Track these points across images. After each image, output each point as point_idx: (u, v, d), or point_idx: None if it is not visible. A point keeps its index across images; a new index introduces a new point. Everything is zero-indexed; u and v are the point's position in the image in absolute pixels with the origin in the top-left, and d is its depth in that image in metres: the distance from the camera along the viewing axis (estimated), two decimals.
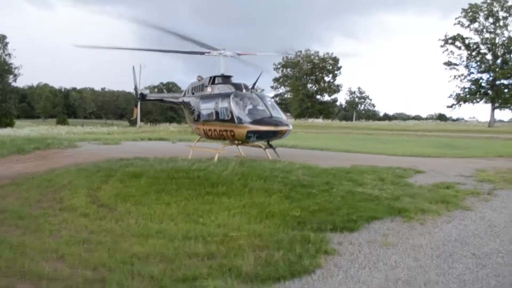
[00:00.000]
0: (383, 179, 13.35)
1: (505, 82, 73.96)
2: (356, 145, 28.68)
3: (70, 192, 12.95)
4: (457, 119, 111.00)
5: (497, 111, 76.24)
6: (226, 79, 18.01)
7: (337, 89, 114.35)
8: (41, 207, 11.56)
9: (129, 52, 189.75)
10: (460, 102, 77.24)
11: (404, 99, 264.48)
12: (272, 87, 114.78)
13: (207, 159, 17.45)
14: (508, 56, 73.47)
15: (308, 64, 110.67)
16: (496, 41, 73.56)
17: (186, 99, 20.03)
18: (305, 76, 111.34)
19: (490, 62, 74.01)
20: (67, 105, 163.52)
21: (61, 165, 18.03)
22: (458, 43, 76.05)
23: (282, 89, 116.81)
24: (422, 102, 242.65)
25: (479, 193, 11.86)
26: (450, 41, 76.46)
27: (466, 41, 75.26)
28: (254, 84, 17.57)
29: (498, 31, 73.61)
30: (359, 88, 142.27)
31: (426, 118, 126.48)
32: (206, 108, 17.45)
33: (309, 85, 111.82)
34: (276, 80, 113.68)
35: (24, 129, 56.78)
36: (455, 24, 76.12)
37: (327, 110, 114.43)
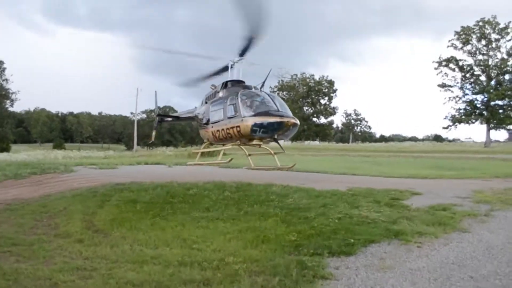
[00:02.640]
0: (380, 202, 13.33)
1: (500, 103, 74.67)
2: (353, 167, 28.66)
3: (65, 218, 12.85)
4: (453, 140, 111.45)
5: (492, 131, 76.78)
6: (237, 83, 17.99)
7: (333, 111, 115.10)
8: (36, 233, 11.44)
9: (126, 76, 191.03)
10: (456, 123, 77.73)
11: (401, 121, 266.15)
12: None
13: (204, 183, 17.40)
14: (501, 77, 74.27)
15: (304, 87, 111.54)
16: (490, 63, 74.46)
17: (199, 110, 20.11)
18: (301, 99, 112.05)
19: (484, 84, 74.75)
20: (64, 130, 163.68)
21: (56, 191, 17.93)
22: (452, 65, 76.92)
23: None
24: (418, 123, 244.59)
25: (476, 214, 11.84)
26: (444, 63, 77.37)
27: (460, 63, 76.16)
28: (263, 83, 17.34)
29: (491, 53, 74.62)
30: (355, 110, 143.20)
31: (423, 139, 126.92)
32: (215, 109, 17.42)
33: (305, 108, 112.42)
34: None
35: (20, 153, 56.59)
36: (448, 46, 77.26)
37: (324, 133, 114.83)
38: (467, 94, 77.35)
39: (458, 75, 77.13)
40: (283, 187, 15.93)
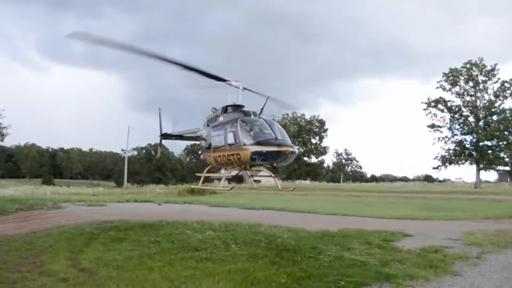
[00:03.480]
0: (371, 243, 13.21)
1: (489, 143, 75.31)
2: (344, 208, 28.56)
3: (50, 256, 12.54)
4: (444, 180, 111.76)
5: (482, 172, 77.17)
6: (237, 107, 17.85)
7: (324, 151, 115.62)
8: (20, 271, 11.12)
9: (119, 114, 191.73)
10: (445, 164, 78.11)
11: (391, 161, 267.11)
12: None
13: (192, 222, 17.19)
14: (489, 118, 75.29)
15: (295, 126, 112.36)
16: (477, 104, 75.65)
17: (202, 132, 20.01)
18: (292, 138, 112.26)
19: (473, 124, 75.69)
20: (53, 165, 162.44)
21: (43, 227, 17.59)
22: (440, 106, 77.96)
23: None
24: (409, 163, 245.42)
25: (468, 257, 11.74)
26: (433, 104, 78.43)
27: (449, 104, 77.23)
28: (261, 110, 17.45)
29: (479, 94, 75.88)
30: (345, 150, 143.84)
31: (413, 180, 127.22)
32: (216, 135, 17.46)
33: (296, 147, 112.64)
34: None
35: (8, 188, 55.79)
36: (437, 87, 78.47)
37: (315, 172, 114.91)
38: (456, 135, 78.19)
39: (447, 115, 78.18)
40: (272, 227, 15.76)
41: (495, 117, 75.53)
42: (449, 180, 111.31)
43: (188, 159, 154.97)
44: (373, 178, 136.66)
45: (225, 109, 17.95)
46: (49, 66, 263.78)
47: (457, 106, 77.18)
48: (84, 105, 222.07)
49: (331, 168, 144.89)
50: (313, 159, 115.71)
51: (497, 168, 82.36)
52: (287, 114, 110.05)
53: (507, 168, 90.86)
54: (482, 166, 75.26)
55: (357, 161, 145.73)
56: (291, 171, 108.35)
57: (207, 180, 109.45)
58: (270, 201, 34.10)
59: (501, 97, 74.48)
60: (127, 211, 24.19)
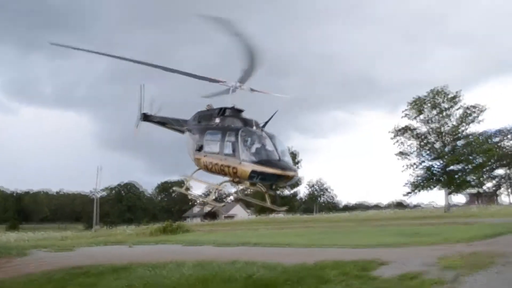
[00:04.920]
0: (348, 274, 13.09)
1: (456, 168, 76.99)
2: (319, 239, 28.44)
3: None
4: (415, 206, 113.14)
5: (452, 195, 78.63)
6: (237, 112, 16.86)
7: (297, 182, 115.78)
8: None
9: (90, 153, 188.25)
10: (416, 190, 79.26)
11: (364, 189, 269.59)
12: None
13: (165, 263, 16.73)
14: (455, 143, 77.23)
15: None
16: (443, 130, 77.67)
17: (191, 127, 18.47)
18: None
19: (440, 150, 77.45)
20: (19, 210, 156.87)
21: (9, 276, 16.81)
22: (408, 134, 79.66)
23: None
24: (381, 190, 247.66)
25: (444, 281, 11.74)
26: (400, 132, 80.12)
27: (415, 132, 78.99)
28: (266, 123, 16.53)
29: (443, 120, 78.00)
30: (318, 180, 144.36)
31: (386, 207, 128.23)
32: (211, 139, 16.33)
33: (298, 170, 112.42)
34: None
35: None
36: (403, 116, 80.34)
37: (289, 204, 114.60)
38: (424, 161, 79.69)
39: (414, 143, 79.69)
40: (248, 264, 15.46)
41: (460, 142, 77.71)
42: (420, 205, 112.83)
43: (159, 198, 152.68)
44: (347, 208, 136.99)
45: (222, 111, 16.90)
46: (17, 108, 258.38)
47: (423, 133, 79.12)
48: (53, 145, 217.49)
49: (304, 199, 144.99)
50: (286, 192, 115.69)
51: (466, 192, 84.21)
52: None
53: (475, 191, 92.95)
54: (451, 190, 76.74)
55: (331, 191, 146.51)
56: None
57: (180, 218, 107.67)
58: (245, 237, 33.68)
59: (464, 123, 76.90)
60: (97, 255, 23.43)
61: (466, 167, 76.68)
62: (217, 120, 16.76)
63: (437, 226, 38.65)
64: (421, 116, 78.67)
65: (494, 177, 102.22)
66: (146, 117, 21.46)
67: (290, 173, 14.63)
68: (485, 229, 29.98)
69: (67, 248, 27.89)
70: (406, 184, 79.91)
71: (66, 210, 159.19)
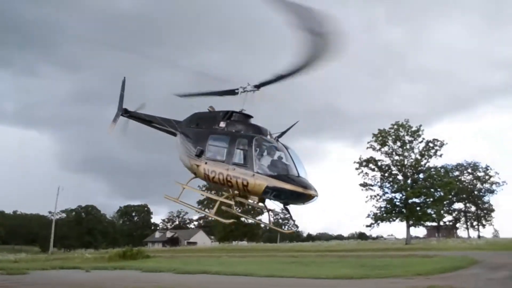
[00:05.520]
0: None
1: (417, 200, 78.65)
2: (281, 269, 28.26)
3: None
4: (377, 237, 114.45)
5: (412, 228, 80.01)
6: (246, 118, 15.30)
7: (261, 211, 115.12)
8: None
9: (50, 174, 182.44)
10: (378, 221, 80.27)
11: (327, 219, 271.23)
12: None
13: None
14: (416, 176, 79.10)
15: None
16: (405, 163, 79.54)
17: (187, 129, 16.51)
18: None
19: (401, 182, 79.08)
20: None
21: None
22: (371, 165, 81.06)
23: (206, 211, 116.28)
24: (343, 221, 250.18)
25: None
26: (364, 163, 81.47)
27: (379, 163, 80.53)
28: (283, 133, 14.81)
29: (406, 153, 79.97)
30: (282, 209, 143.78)
31: (348, 238, 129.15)
32: (216, 145, 14.62)
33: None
34: (200, 202, 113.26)
35: None
36: (367, 148, 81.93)
37: (252, 232, 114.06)
38: (387, 193, 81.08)
39: (378, 174, 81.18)
40: None
41: (421, 175, 79.64)
42: (382, 237, 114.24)
43: (121, 221, 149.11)
44: (310, 237, 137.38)
45: (229, 115, 15.26)
46: None
47: (386, 165, 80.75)
48: (11, 164, 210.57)
49: (268, 228, 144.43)
50: (250, 220, 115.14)
51: (426, 224, 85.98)
52: None
53: (435, 224, 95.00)
54: (412, 222, 78.10)
55: (294, 221, 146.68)
56: (228, 232, 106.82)
57: (141, 243, 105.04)
58: (206, 264, 33.17)
59: (426, 156, 79.03)
60: (51, 279, 22.60)
61: (426, 200, 78.45)
62: (222, 124, 15.01)
63: (398, 258, 39.08)
64: (385, 148, 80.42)
65: (453, 211, 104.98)
66: (127, 113, 19.30)
67: (312, 193, 13.04)
68: (444, 262, 30.54)
69: (20, 271, 26.75)
70: (369, 215, 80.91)
71: (22, 231, 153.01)
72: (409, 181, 79.34)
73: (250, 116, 15.29)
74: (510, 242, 70.82)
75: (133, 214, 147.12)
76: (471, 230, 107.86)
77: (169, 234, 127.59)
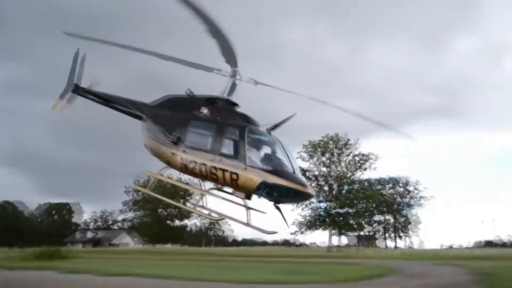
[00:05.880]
0: None
1: (340, 211, 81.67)
2: (203, 273, 28.12)
3: None
4: (301, 245, 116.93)
5: (334, 237, 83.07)
6: (232, 106, 14.03)
7: (188, 214, 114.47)
8: None
9: None
10: (302, 229, 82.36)
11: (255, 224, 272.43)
12: (120, 210, 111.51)
13: None
14: (342, 187, 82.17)
15: (160, 188, 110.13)
16: (332, 174, 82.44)
17: (158, 113, 14.77)
18: (156, 200, 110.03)
19: (327, 193, 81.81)
20: None
21: None
22: None
23: (131, 214, 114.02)
24: (270, 227, 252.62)
25: None
26: None
27: (307, 174, 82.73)
28: (276, 126, 13.58)
29: (333, 166, 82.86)
30: (209, 213, 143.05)
31: (273, 244, 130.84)
32: (199, 132, 13.18)
33: (159, 210, 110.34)
34: (126, 203, 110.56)
35: None
36: (297, 157, 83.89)
37: (177, 236, 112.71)
38: (312, 202, 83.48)
39: None
40: None
41: (346, 187, 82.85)
42: (305, 244, 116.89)
43: (39, 219, 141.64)
44: (235, 242, 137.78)
45: (212, 101, 13.75)
46: None
47: (314, 175, 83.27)
48: None
49: (194, 232, 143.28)
50: (177, 223, 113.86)
51: (347, 234, 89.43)
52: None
53: (356, 234, 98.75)
54: (334, 232, 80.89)
55: (220, 225, 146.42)
56: (152, 234, 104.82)
57: (60, 243, 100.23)
58: (128, 267, 32.31)
59: (352, 169, 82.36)
60: None
61: (349, 211, 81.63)
62: (205, 111, 13.53)
63: (319, 265, 40.22)
64: (314, 159, 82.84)
65: (373, 222, 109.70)
66: (80, 89, 16.44)
67: (310, 191, 12.30)
68: (362, 270, 31.86)
69: None
70: (294, 223, 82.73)
71: None
72: (334, 192, 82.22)
73: (236, 104, 14.09)
74: (424, 253, 75.39)
75: (53, 212, 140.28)
76: (389, 240, 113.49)
77: (91, 235, 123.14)
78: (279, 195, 12.06)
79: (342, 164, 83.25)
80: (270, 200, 12.59)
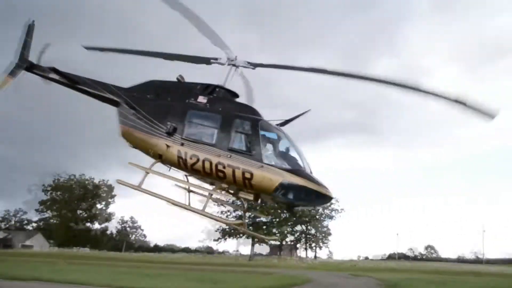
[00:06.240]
0: None
1: (264, 219, 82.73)
2: (120, 279, 27.31)
3: None
4: (223, 252, 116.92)
5: (257, 245, 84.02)
6: (232, 96, 12.70)
7: (109, 217, 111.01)
8: None
9: None
10: (225, 237, 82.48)
11: (175, 231, 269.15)
12: (37, 210, 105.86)
13: None
14: None
15: (81, 189, 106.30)
16: None
17: (143, 97, 12.96)
18: (76, 201, 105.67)
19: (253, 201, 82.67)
20: None
21: None
22: None
23: (48, 214, 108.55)
24: (192, 234, 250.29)
25: None
26: None
27: None
28: (288, 121, 12.44)
29: None
30: (131, 217, 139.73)
31: (195, 251, 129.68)
32: (201, 123, 11.88)
33: (79, 211, 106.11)
34: (43, 203, 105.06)
35: None
36: None
37: (96, 239, 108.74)
38: (236, 210, 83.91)
39: None
40: None
41: None
42: (228, 252, 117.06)
43: None
44: (156, 248, 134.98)
45: (211, 90, 12.41)
46: None
47: None
48: None
49: (114, 236, 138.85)
50: (96, 226, 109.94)
51: (270, 243, 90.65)
52: (74, 176, 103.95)
53: (278, 243, 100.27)
54: (257, 240, 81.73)
55: (142, 230, 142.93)
56: (69, 237, 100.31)
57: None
58: (39, 270, 30.60)
59: None
60: None
61: (273, 220, 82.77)
62: (202, 99, 12.10)
63: (240, 274, 40.42)
64: None
65: (295, 232, 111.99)
66: (35, 67, 13.90)
67: (331, 194, 11.08)
68: (282, 279, 32.47)
69: None
70: (218, 230, 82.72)
71: None
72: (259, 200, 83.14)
73: (236, 94, 12.78)
74: (341, 263, 78.12)
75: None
76: (309, 250, 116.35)
77: (2, 235, 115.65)
78: (298, 197, 10.85)
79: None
80: (283, 204, 11.68)
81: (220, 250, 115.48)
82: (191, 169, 11.62)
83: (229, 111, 11.73)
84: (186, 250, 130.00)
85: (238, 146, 11.05)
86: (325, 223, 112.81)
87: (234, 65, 12.52)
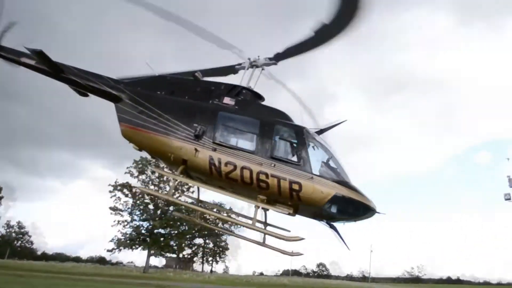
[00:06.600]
0: None
1: (162, 231, 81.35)
2: None
3: None
4: (117, 263, 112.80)
5: (153, 257, 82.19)
6: (258, 98, 11.75)
7: None
8: None
9: None
10: (120, 247, 79.76)
11: (67, 239, 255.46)
12: None
13: None
14: (167, 208, 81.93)
15: None
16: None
17: (154, 94, 11.71)
18: None
19: (152, 212, 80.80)
20: None
21: None
22: (126, 191, 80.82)
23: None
24: (85, 243, 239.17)
25: None
26: (119, 187, 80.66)
27: (134, 190, 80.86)
28: (324, 130, 11.45)
29: (162, 185, 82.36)
30: (19, 222, 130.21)
31: (86, 261, 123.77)
32: (235, 127, 10.90)
33: None
34: None
35: None
36: (125, 173, 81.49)
37: None
38: (135, 220, 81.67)
39: (130, 201, 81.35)
40: None
41: (172, 208, 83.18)
42: (122, 263, 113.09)
43: None
44: (44, 256, 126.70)
45: (237, 92, 11.40)
46: None
47: (140, 193, 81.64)
48: None
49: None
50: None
51: (166, 255, 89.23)
52: None
53: (174, 255, 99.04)
54: (153, 251, 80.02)
55: (30, 236, 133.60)
56: None
57: None
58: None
59: (180, 191, 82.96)
60: None
61: (171, 232, 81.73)
62: (229, 101, 11.18)
63: (133, 286, 39.35)
64: (143, 176, 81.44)
65: (193, 245, 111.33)
66: (13, 53, 12.21)
67: (376, 208, 10.40)
68: None
69: None
70: (113, 239, 79.87)
71: None
72: (159, 212, 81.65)
73: (262, 97, 11.85)
74: (236, 278, 78.92)
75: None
76: (205, 264, 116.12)
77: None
78: (347, 211, 10.23)
79: (171, 184, 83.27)
80: (328, 218, 10.57)
81: (114, 261, 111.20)
82: (226, 178, 10.55)
83: (266, 116, 10.98)
84: (77, 259, 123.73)
85: (282, 155, 10.38)
86: (223, 237, 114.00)
87: (256, 65, 11.80)
